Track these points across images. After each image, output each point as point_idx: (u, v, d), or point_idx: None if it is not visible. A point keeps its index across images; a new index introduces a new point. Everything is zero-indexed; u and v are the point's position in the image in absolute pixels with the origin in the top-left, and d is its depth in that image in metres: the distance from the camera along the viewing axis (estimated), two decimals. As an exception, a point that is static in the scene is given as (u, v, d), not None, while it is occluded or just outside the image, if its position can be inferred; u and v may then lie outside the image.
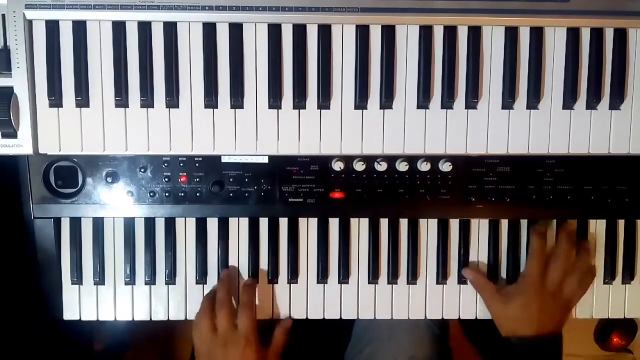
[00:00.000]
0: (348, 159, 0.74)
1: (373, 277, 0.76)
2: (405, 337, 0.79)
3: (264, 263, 0.76)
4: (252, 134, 0.68)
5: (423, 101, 0.68)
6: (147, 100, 0.67)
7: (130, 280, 0.75)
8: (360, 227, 0.76)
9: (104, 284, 0.75)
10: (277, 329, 0.74)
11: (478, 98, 0.69)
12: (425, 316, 0.77)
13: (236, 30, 0.67)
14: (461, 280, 0.77)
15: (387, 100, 0.68)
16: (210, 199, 0.75)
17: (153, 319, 0.76)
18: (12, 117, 0.65)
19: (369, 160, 0.74)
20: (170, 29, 0.67)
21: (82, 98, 0.67)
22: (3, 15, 0.65)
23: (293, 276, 0.76)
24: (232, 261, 0.76)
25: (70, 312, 0.76)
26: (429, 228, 0.77)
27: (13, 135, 0.66)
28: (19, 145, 0.66)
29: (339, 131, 0.69)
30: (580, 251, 0.75)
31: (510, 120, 0.69)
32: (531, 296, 0.71)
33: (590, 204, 0.77)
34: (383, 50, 0.68)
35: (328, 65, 0.68)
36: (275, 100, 0.68)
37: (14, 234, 0.76)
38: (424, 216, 0.76)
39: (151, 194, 0.74)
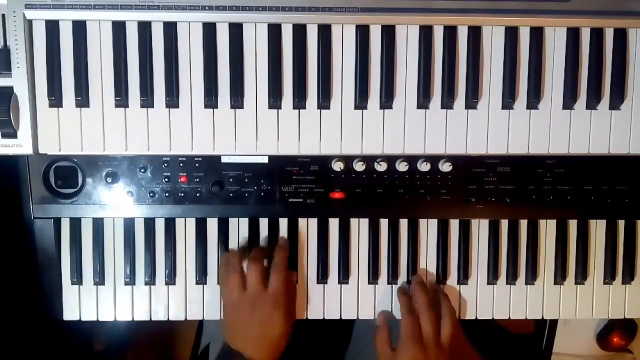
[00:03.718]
0: (348, 159, 0.74)
1: (373, 277, 0.76)
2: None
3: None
4: (252, 134, 0.68)
5: (423, 101, 0.69)
6: (147, 100, 0.67)
7: (130, 280, 0.75)
8: (360, 227, 0.76)
9: (104, 284, 0.75)
10: (278, 252, 0.73)
11: (478, 98, 0.69)
12: (425, 316, 0.77)
13: (236, 30, 0.67)
14: (461, 281, 0.77)
15: (387, 100, 0.68)
16: (210, 199, 0.75)
17: (153, 319, 0.76)
18: (12, 117, 0.65)
19: (369, 160, 0.74)
20: (170, 29, 0.67)
21: (82, 98, 0.67)
22: (3, 15, 0.65)
23: (293, 276, 0.76)
24: (232, 261, 0.76)
25: (70, 313, 0.76)
26: (429, 228, 0.77)
27: (13, 135, 0.66)
28: (19, 145, 0.66)
29: (339, 131, 0.69)
30: (440, 295, 0.74)
31: (510, 120, 0.69)
32: (415, 352, 0.68)
33: (590, 204, 0.76)
34: (383, 50, 0.68)
35: (328, 65, 0.68)
36: (275, 100, 0.68)
37: (13, 234, 0.75)
38: (424, 216, 0.76)
39: (151, 194, 0.74)
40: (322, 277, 0.76)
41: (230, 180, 0.74)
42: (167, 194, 0.74)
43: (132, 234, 0.75)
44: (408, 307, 0.72)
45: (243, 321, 0.69)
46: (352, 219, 0.76)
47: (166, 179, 0.74)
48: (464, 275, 0.76)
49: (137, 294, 0.76)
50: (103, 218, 0.75)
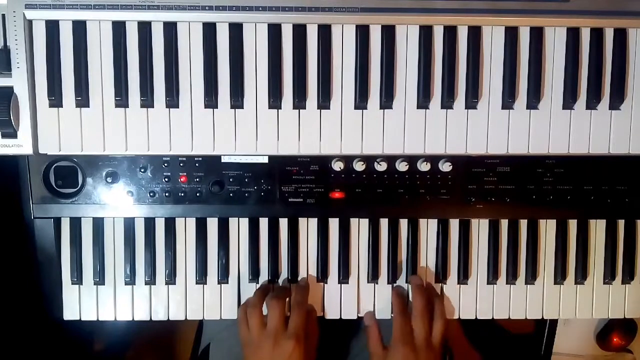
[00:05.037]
0: (348, 159, 0.74)
1: (373, 277, 0.76)
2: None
3: (264, 263, 0.76)
4: (252, 134, 0.68)
5: (423, 101, 0.69)
6: (147, 100, 0.67)
7: (130, 280, 0.75)
8: (360, 227, 0.76)
9: (104, 284, 0.75)
10: (297, 290, 0.74)
11: (478, 98, 0.69)
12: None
13: (236, 30, 0.67)
14: (461, 281, 0.77)
15: (387, 100, 0.68)
16: (210, 199, 0.75)
17: (153, 319, 0.76)
18: (12, 117, 0.65)
19: (369, 160, 0.74)
20: (170, 29, 0.67)
21: (82, 98, 0.67)
22: (3, 15, 0.65)
23: (293, 276, 0.76)
24: (232, 261, 0.76)
25: (70, 312, 0.76)
26: (428, 228, 0.77)
27: (13, 135, 0.66)
28: (19, 145, 0.66)
29: (339, 131, 0.69)
30: (433, 297, 0.75)
31: (510, 120, 0.69)
32: (406, 353, 0.69)
33: (590, 204, 0.76)
34: (383, 50, 0.68)
35: (328, 65, 0.68)
36: (275, 100, 0.68)
37: (14, 234, 0.76)
38: (424, 216, 0.76)
39: (151, 194, 0.74)
40: (322, 276, 0.76)
41: (231, 180, 0.74)
42: (167, 194, 0.74)
43: (132, 234, 0.75)
44: (401, 308, 0.73)
45: (263, 358, 0.69)
46: (352, 219, 0.76)
47: (166, 179, 0.74)
48: (463, 275, 0.76)
49: (137, 293, 0.76)
50: (103, 218, 0.75)
